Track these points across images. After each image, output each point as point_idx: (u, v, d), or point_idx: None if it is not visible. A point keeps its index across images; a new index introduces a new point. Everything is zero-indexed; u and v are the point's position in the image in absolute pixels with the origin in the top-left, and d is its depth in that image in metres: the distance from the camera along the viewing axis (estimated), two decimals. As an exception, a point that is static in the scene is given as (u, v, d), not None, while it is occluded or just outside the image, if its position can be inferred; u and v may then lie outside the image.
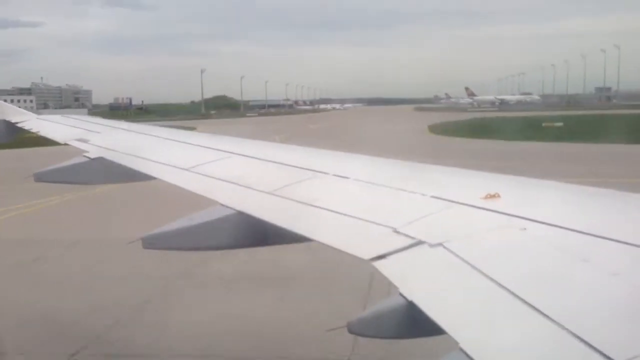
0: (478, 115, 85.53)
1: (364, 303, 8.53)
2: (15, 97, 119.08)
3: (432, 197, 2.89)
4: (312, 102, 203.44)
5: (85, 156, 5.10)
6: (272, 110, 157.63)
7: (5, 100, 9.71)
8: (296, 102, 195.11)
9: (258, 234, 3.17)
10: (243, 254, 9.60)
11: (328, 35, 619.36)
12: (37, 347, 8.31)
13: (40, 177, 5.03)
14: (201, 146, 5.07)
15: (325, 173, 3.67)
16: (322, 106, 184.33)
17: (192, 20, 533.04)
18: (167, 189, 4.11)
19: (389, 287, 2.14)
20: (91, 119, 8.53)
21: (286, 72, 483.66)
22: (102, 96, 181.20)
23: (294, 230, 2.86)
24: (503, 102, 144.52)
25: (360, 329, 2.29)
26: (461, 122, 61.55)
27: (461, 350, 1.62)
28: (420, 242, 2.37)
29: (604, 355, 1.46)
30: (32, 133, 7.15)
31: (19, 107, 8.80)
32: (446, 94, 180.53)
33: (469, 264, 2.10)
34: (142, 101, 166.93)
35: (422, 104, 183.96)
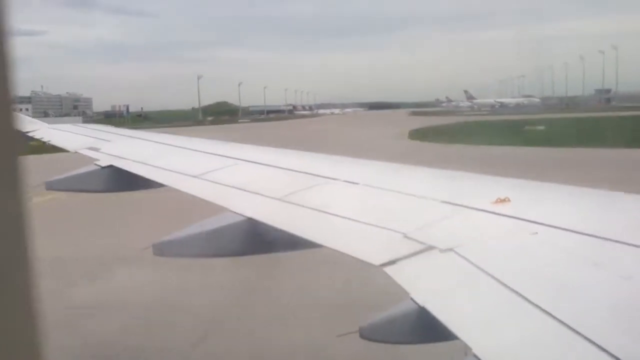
0: (470, 119, 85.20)
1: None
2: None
3: (442, 202, 2.89)
4: (311, 107, 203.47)
5: (96, 164, 5.15)
6: (272, 115, 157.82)
7: None
8: (295, 108, 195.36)
9: (268, 240, 3.17)
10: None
11: (330, 41, 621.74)
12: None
13: (51, 186, 5.08)
14: (211, 153, 5.09)
15: (335, 179, 3.68)
16: (321, 111, 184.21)
17: (195, 27, 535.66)
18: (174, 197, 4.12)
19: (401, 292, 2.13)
20: (102, 127, 8.62)
21: (289, 77, 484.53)
22: (104, 104, 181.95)
23: (305, 237, 2.84)
24: (503, 105, 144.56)
25: (371, 334, 2.29)
26: (444, 127, 61.20)
27: (474, 356, 1.61)
28: (430, 247, 2.37)
29: (617, 359, 1.45)
30: (37, 140, 7.28)
31: None
32: (447, 97, 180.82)
33: (480, 268, 2.10)
34: (142, 108, 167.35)
35: (424, 107, 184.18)
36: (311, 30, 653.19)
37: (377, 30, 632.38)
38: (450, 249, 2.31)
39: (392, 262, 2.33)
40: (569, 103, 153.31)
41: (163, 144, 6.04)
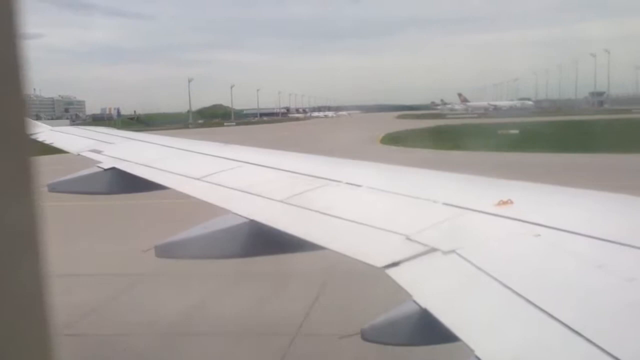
0: (454, 122, 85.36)
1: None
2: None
3: (445, 204, 2.88)
4: (305, 110, 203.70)
5: (98, 167, 5.16)
6: (265, 118, 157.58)
7: None
8: (288, 110, 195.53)
9: (271, 242, 3.16)
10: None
11: (330, 43, 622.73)
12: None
13: (54, 188, 5.04)
14: (214, 156, 5.08)
15: (338, 181, 3.68)
16: (314, 114, 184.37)
17: (193, 30, 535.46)
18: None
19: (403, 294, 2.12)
20: (105, 130, 8.64)
21: (287, 80, 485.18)
22: (99, 107, 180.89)
23: (307, 239, 2.84)
24: (496, 108, 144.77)
25: (373, 335, 2.29)
26: (419, 131, 61.28)
27: (476, 357, 1.60)
28: (433, 250, 2.36)
29: None
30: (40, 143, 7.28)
31: None
32: (442, 100, 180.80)
33: (482, 270, 2.09)
34: (135, 111, 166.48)
35: (420, 110, 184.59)
36: (311, 33, 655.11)
37: (376, 33, 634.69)
38: (453, 251, 2.30)
39: (394, 264, 2.32)
40: (561, 106, 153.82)
41: (166, 146, 6.02)
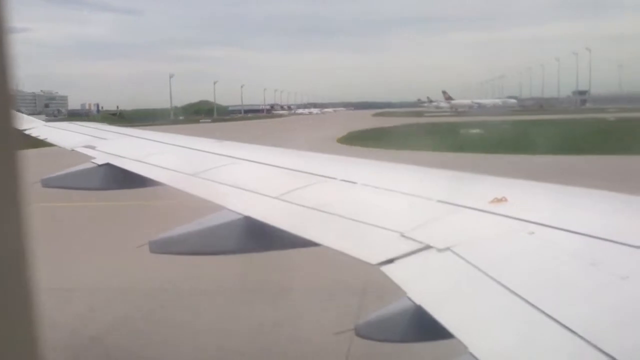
0: (430, 120, 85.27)
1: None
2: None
3: (439, 201, 2.89)
4: (289, 107, 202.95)
5: (92, 162, 5.16)
6: (250, 115, 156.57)
7: None
8: (273, 107, 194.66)
9: (265, 238, 3.15)
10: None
11: (319, 41, 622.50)
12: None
13: (47, 183, 5.06)
14: (209, 152, 5.10)
15: (332, 178, 3.69)
16: (299, 111, 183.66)
17: (181, 26, 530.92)
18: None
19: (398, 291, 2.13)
20: (99, 125, 8.64)
21: (276, 76, 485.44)
22: (83, 102, 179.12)
23: (302, 236, 2.83)
24: (480, 106, 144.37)
25: (367, 332, 2.32)
26: (386, 129, 60.73)
27: (470, 354, 1.61)
28: (428, 247, 2.37)
29: (613, 358, 1.45)
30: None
31: None
32: (428, 97, 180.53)
33: (476, 268, 2.10)
34: (117, 106, 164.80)
35: (408, 107, 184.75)
36: (302, 30, 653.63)
37: (365, 31, 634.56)
38: (447, 248, 2.31)
39: (389, 261, 2.32)
40: (543, 104, 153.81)
41: (161, 142, 6.02)
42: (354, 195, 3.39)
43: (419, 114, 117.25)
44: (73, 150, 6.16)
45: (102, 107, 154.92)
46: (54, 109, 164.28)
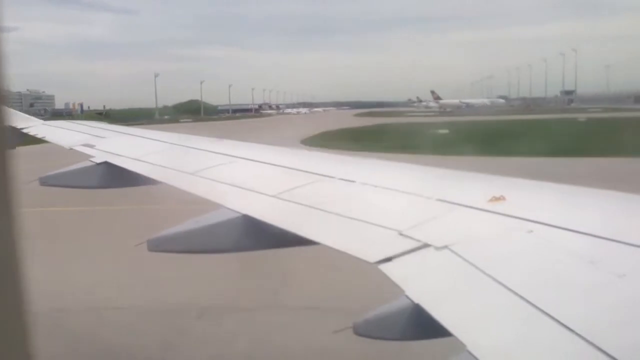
0: (401, 120, 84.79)
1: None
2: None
3: (438, 199, 2.89)
4: (278, 107, 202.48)
5: (90, 161, 5.16)
6: (238, 114, 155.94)
7: None
8: (261, 107, 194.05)
9: (263, 237, 3.14)
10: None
11: (316, 41, 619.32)
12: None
13: (45, 181, 5.04)
14: (208, 151, 5.09)
15: (331, 177, 3.69)
16: (287, 110, 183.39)
17: (176, 25, 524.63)
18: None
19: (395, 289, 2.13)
20: (97, 124, 8.65)
21: (272, 76, 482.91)
22: (71, 102, 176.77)
23: (300, 234, 2.83)
24: (469, 106, 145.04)
25: (366, 330, 2.31)
26: (358, 130, 60.91)
27: (468, 352, 1.61)
28: (426, 245, 2.37)
29: (612, 358, 1.46)
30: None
31: None
32: (417, 97, 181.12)
33: (475, 266, 2.10)
34: (104, 106, 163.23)
35: (399, 107, 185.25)
36: (299, 30, 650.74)
37: (365, 31, 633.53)
38: (446, 247, 2.31)
39: (387, 260, 2.32)
40: (530, 104, 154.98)
41: (159, 141, 6.03)
42: (352, 194, 3.38)
43: (402, 114, 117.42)
44: (71, 148, 6.17)
45: (89, 107, 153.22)
46: (39, 108, 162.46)
